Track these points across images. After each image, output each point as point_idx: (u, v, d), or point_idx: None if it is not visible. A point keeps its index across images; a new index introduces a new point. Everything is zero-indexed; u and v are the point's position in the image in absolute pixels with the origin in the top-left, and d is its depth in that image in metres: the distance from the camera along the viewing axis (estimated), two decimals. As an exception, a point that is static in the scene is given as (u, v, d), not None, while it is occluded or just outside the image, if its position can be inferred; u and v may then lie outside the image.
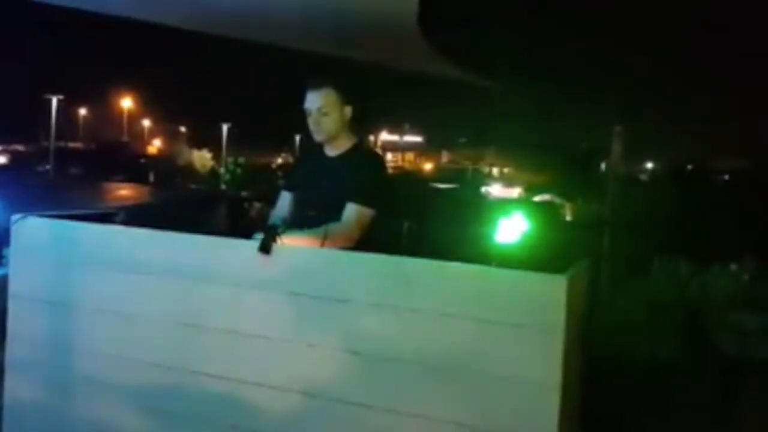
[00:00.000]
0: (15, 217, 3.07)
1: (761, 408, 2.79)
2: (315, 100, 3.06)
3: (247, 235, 2.75)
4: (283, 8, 3.60)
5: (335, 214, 2.92)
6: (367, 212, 2.95)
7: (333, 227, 2.85)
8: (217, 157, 49.95)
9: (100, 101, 60.28)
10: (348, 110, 3.09)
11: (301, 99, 3.10)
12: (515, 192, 34.39)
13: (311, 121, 3.09)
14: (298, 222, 3.02)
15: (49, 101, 43.16)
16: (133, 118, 63.48)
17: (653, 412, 2.82)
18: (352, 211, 2.93)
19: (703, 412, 2.79)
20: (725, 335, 2.81)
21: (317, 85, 3.06)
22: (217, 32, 4.45)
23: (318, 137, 3.11)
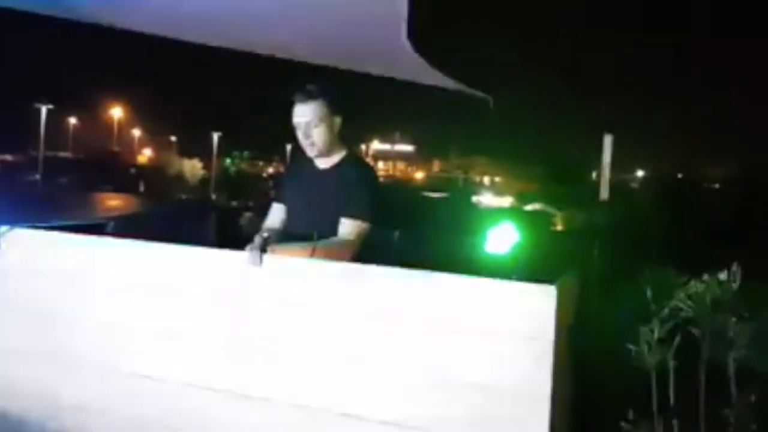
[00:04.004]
0: (2, 228, 3.05)
1: (750, 416, 2.79)
2: (305, 114, 3.01)
3: (238, 246, 2.75)
4: (273, 18, 3.61)
5: (328, 226, 2.91)
6: (365, 226, 2.94)
7: (329, 241, 2.84)
8: (207, 166, 49.89)
9: (90, 111, 60.13)
10: (337, 121, 3.07)
11: (291, 109, 3.08)
12: (506, 201, 34.48)
13: (302, 135, 3.03)
14: (290, 234, 3.00)
15: (39, 110, 42.98)
16: (123, 127, 63.37)
17: (644, 420, 2.82)
18: (350, 226, 2.92)
19: (693, 420, 2.80)
20: (715, 344, 2.82)
21: (305, 98, 3.01)
22: (206, 42, 4.45)
23: (311, 151, 3.06)
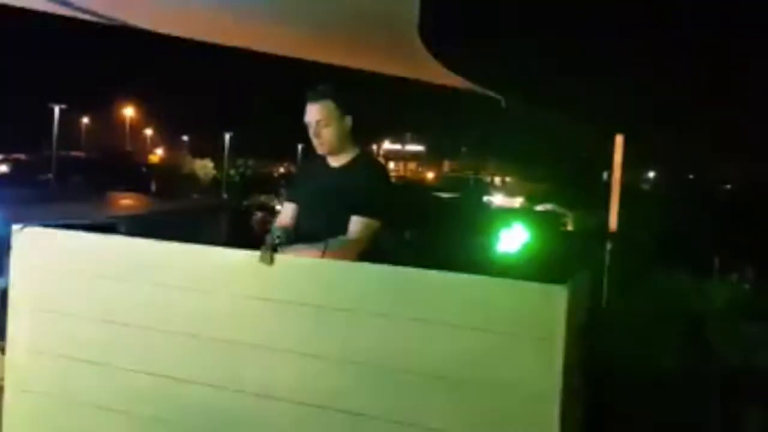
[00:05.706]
0: (16, 226, 3.07)
1: (764, 416, 2.78)
2: (314, 113, 3.06)
3: (250, 245, 2.75)
4: (284, 17, 3.62)
5: (339, 225, 2.92)
6: (375, 224, 2.95)
7: (339, 241, 2.84)
8: (219, 166, 50.07)
9: (103, 110, 60.41)
10: (348, 120, 3.09)
11: (303, 108, 3.11)
12: (517, 201, 34.35)
13: (312, 134, 3.09)
14: (302, 233, 3.01)
15: (52, 110, 43.23)
16: (136, 127, 63.64)
17: (656, 421, 2.81)
18: (360, 223, 2.93)
19: (706, 420, 2.79)
20: (727, 344, 2.81)
21: (315, 98, 3.06)
22: (220, 42, 4.47)
23: (320, 150, 3.11)
